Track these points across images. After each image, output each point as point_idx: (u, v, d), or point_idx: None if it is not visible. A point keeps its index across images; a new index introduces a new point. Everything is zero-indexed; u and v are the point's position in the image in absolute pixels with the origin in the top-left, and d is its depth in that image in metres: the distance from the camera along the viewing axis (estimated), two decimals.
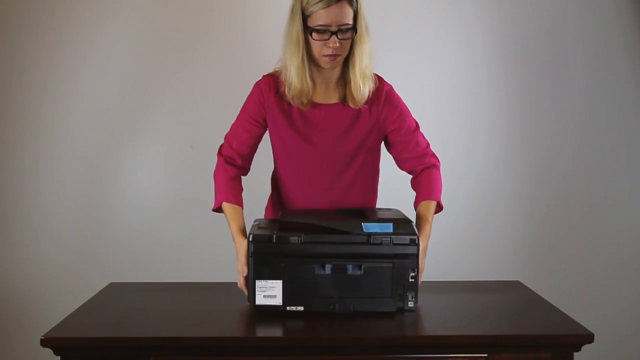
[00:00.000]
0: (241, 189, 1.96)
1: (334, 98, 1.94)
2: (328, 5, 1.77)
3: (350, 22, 1.80)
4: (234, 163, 1.96)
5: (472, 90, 2.86)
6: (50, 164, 2.79)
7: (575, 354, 1.61)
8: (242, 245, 1.79)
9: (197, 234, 2.83)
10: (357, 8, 1.82)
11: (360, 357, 1.59)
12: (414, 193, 2.01)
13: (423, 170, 2.00)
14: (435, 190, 1.97)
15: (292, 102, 1.90)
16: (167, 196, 2.82)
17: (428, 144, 2.03)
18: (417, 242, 1.70)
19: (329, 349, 1.58)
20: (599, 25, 2.85)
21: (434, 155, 2.03)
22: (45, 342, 1.55)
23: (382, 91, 1.95)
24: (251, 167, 2.01)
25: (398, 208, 1.99)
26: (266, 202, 2.13)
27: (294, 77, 1.85)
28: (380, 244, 1.68)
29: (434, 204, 1.94)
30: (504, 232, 2.92)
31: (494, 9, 2.83)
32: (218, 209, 1.95)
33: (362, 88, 1.88)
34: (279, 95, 1.91)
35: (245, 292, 1.76)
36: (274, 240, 1.68)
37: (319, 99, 1.93)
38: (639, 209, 2.94)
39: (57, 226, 2.81)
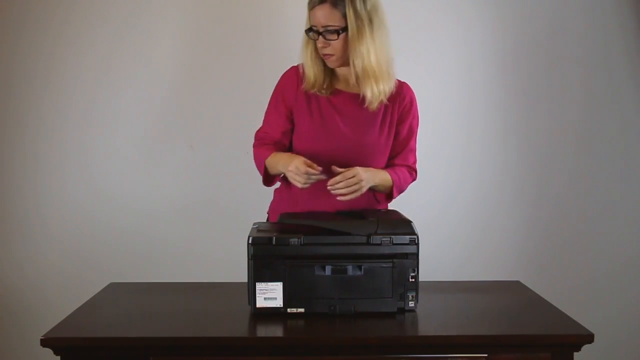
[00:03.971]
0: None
1: (354, 90, 1.96)
2: (312, 8, 1.87)
3: (335, 23, 1.85)
4: (267, 142, 1.99)
5: (471, 93, 2.84)
6: (50, 164, 2.79)
7: (575, 354, 1.61)
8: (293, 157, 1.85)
9: (197, 234, 2.83)
10: (346, 10, 1.84)
11: (360, 357, 1.59)
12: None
13: (401, 165, 2.02)
14: (400, 178, 1.97)
15: (311, 92, 1.94)
16: (167, 196, 2.82)
17: (415, 162, 2.04)
18: (417, 242, 1.70)
19: (329, 349, 1.58)
20: (599, 26, 2.83)
21: (415, 170, 2.05)
22: (45, 342, 1.55)
23: (408, 96, 1.99)
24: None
25: (397, 209, 1.99)
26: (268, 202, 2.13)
27: (305, 70, 1.94)
28: (380, 244, 1.68)
29: (389, 178, 1.94)
30: (505, 233, 2.91)
31: (492, 9, 2.82)
32: (267, 175, 1.98)
33: (365, 87, 1.89)
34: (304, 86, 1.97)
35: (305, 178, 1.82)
36: (274, 242, 1.68)
37: (342, 86, 1.98)
38: (638, 211, 2.94)
39: (57, 226, 2.81)
